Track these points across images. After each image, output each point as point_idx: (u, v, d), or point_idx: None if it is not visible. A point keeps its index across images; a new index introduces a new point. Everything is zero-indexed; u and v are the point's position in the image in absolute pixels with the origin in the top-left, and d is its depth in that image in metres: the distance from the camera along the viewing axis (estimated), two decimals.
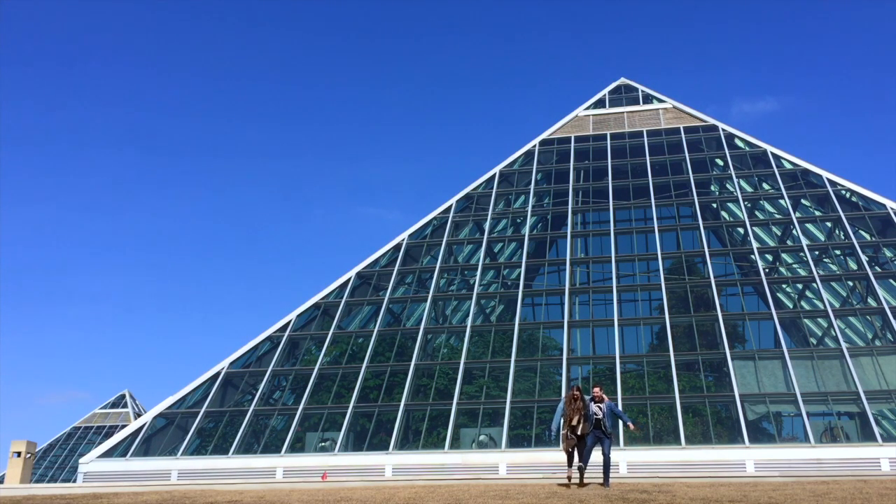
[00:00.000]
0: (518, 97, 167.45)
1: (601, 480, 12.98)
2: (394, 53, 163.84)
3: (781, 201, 33.04)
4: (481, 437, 24.62)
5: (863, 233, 30.95)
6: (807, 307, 29.97)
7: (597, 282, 31.26)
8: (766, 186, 34.39)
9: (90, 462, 26.16)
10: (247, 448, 25.78)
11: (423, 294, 31.19)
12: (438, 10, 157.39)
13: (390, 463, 23.96)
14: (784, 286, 31.18)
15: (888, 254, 29.57)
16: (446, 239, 33.71)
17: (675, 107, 40.19)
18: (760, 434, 23.63)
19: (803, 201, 33.18)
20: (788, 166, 35.07)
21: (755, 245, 30.67)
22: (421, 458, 23.87)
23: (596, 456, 13.47)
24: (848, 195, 32.71)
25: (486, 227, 34.23)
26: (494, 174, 37.45)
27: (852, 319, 28.60)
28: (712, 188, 35.84)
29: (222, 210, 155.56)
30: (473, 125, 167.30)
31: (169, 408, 28.04)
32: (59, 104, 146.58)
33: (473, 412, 25.53)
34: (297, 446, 25.59)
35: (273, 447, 25.55)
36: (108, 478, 24.96)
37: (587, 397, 13.30)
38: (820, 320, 28.92)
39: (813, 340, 28.40)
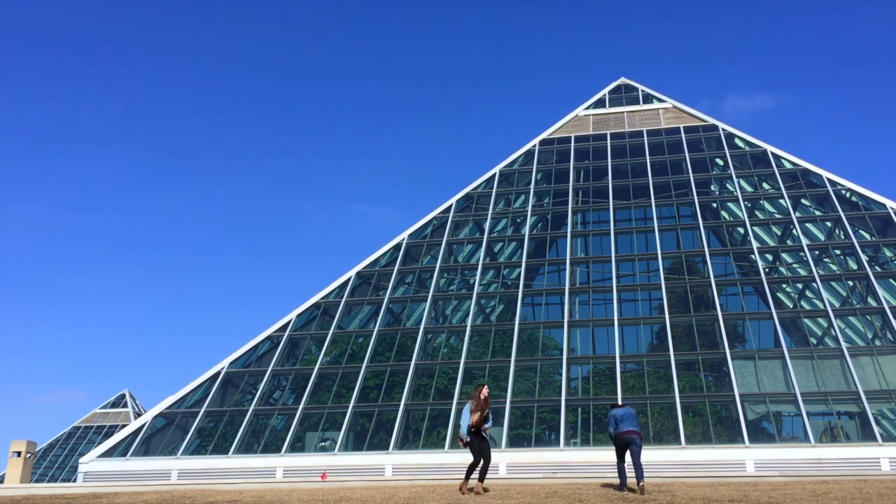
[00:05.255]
0: (518, 97, 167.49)
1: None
2: (392, 52, 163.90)
3: (781, 201, 33.03)
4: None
5: (863, 233, 30.94)
6: (807, 307, 29.96)
7: (597, 282, 31.26)
8: (766, 186, 34.39)
9: (90, 462, 26.15)
10: (247, 448, 25.77)
11: (423, 294, 31.18)
12: (437, 8, 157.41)
13: (390, 463, 23.96)
14: (784, 286, 31.18)
15: (888, 254, 29.57)
16: (446, 239, 33.71)
17: (675, 106, 40.19)
18: (760, 434, 23.63)
19: (803, 201, 33.18)
20: (788, 166, 35.07)
21: (755, 245, 30.66)
22: (421, 458, 23.86)
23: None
24: (848, 195, 32.70)
25: (486, 226, 34.22)
26: (494, 174, 37.45)
27: (852, 319, 28.59)
28: (712, 188, 35.83)
29: (222, 209, 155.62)
30: (473, 125, 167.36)
31: (169, 408, 28.04)
32: (55, 102, 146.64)
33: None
34: (297, 446, 25.59)
35: (273, 447, 25.55)
36: (108, 477, 24.96)
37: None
38: (820, 320, 28.91)
39: (813, 340, 28.39)
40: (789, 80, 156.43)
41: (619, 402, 13.33)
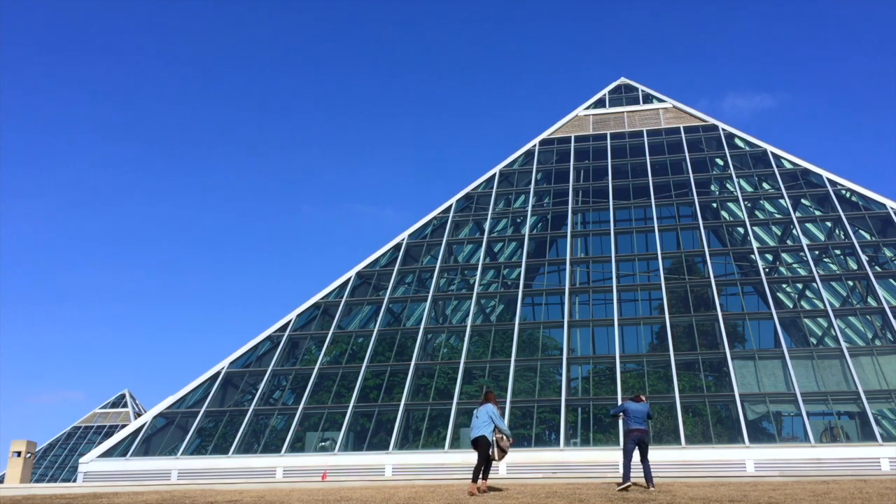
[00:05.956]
0: (518, 97, 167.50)
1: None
2: (392, 52, 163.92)
3: (781, 201, 33.03)
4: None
5: (863, 233, 30.94)
6: (807, 307, 29.96)
7: (597, 281, 31.25)
8: (766, 186, 34.39)
9: (90, 462, 26.15)
10: (247, 448, 25.77)
11: (423, 294, 31.18)
12: (437, 9, 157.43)
13: (390, 463, 23.96)
14: (784, 286, 31.18)
15: (888, 254, 29.57)
16: (446, 239, 33.71)
17: (675, 106, 40.19)
18: (760, 434, 23.63)
19: (803, 201, 33.18)
20: (788, 166, 35.07)
21: (755, 245, 30.66)
22: (421, 458, 23.86)
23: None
24: (848, 195, 32.70)
25: (486, 226, 34.22)
26: (494, 174, 37.45)
27: (852, 319, 28.59)
28: (712, 188, 35.83)
29: (221, 208, 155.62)
30: (473, 124, 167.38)
31: (169, 407, 28.04)
32: (54, 98, 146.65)
33: (473, 412, 25.48)
34: (297, 446, 25.59)
35: (273, 447, 25.55)
36: (108, 477, 24.96)
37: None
38: (820, 320, 28.91)
39: (813, 340, 28.39)
40: (789, 80, 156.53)
41: (641, 397, 13.43)
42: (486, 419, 12.47)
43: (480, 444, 12.28)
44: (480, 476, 12.23)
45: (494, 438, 12.34)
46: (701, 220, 32.45)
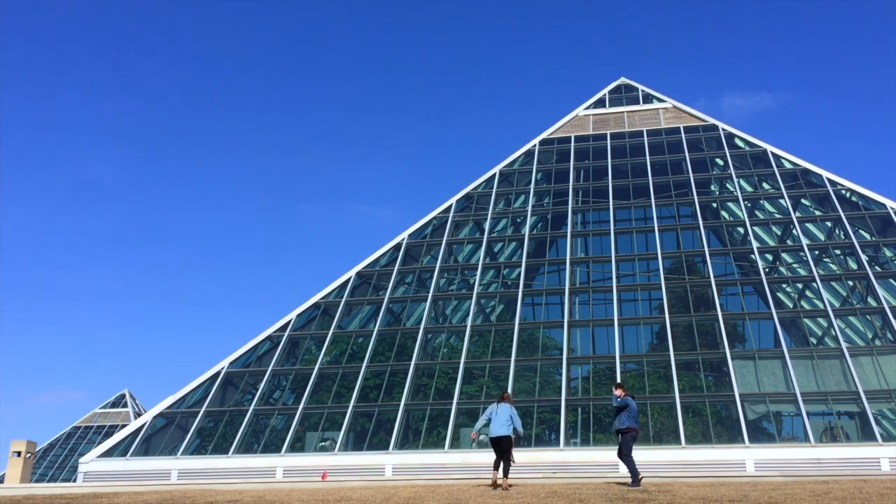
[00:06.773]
0: (518, 97, 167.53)
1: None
2: (392, 52, 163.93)
3: (781, 201, 33.04)
4: (481, 437, 24.59)
5: (863, 232, 30.94)
6: (807, 307, 29.96)
7: (597, 281, 31.26)
8: (766, 186, 34.39)
9: (90, 462, 26.16)
10: (247, 448, 25.77)
11: (423, 294, 31.18)
12: (437, 8, 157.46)
13: (390, 462, 23.96)
14: (784, 286, 31.18)
15: (888, 254, 29.57)
16: (446, 239, 33.71)
17: (675, 106, 40.20)
18: (760, 434, 23.63)
19: (803, 201, 33.18)
20: (788, 166, 35.08)
21: (755, 245, 30.66)
22: (421, 458, 23.87)
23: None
24: (848, 195, 32.71)
25: (486, 226, 34.22)
26: (494, 174, 37.46)
27: (852, 319, 28.59)
28: (712, 188, 35.84)
29: (221, 208, 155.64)
30: (473, 124, 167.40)
31: (169, 407, 28.04)
32: (54, 96, 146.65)
33: (473, 412, 25.53)
34: (297, 446, 25.60)
35: (273, 447, 25.55)
36: (108, 477, 24.96)
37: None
38: (820, 320, 28.92)
39: (813, 340, 28.39)
40: (789, 80, 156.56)
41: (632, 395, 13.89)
42: (507, 419, 13.16)
43: (503, 443, 13.07)
44: (500, 474, 13.02)
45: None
46: (701, 220, 32.46)
